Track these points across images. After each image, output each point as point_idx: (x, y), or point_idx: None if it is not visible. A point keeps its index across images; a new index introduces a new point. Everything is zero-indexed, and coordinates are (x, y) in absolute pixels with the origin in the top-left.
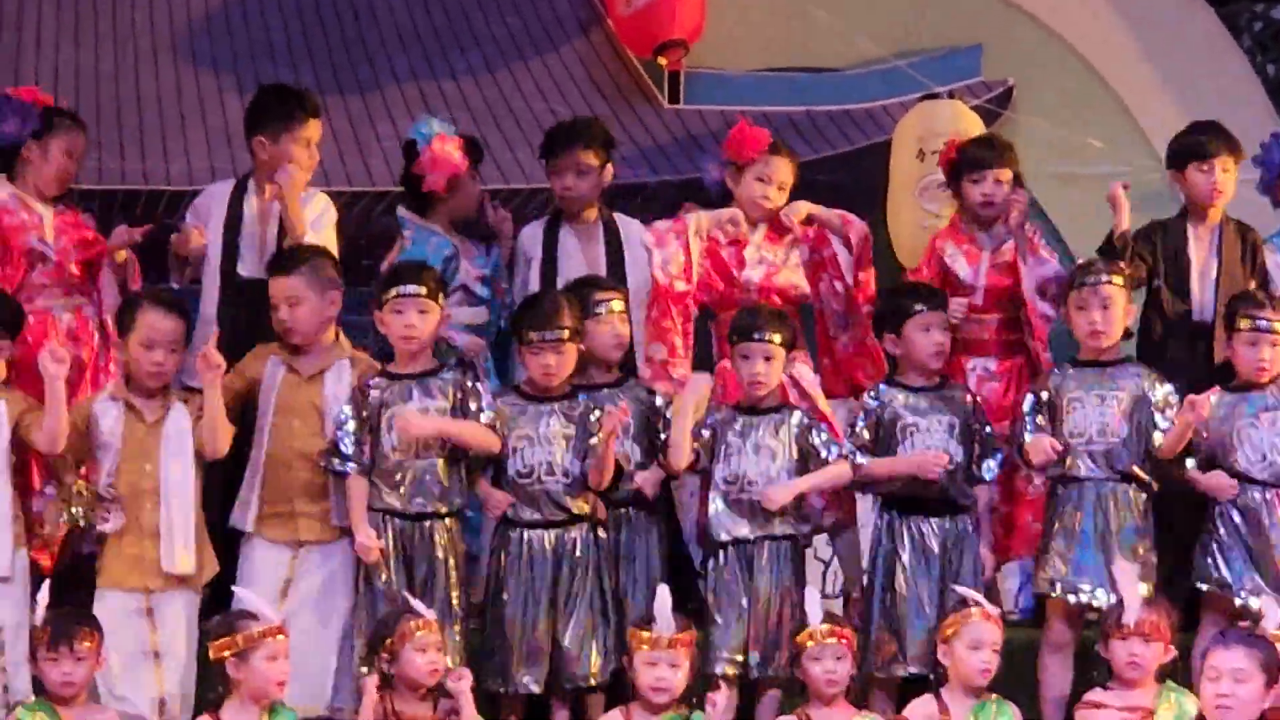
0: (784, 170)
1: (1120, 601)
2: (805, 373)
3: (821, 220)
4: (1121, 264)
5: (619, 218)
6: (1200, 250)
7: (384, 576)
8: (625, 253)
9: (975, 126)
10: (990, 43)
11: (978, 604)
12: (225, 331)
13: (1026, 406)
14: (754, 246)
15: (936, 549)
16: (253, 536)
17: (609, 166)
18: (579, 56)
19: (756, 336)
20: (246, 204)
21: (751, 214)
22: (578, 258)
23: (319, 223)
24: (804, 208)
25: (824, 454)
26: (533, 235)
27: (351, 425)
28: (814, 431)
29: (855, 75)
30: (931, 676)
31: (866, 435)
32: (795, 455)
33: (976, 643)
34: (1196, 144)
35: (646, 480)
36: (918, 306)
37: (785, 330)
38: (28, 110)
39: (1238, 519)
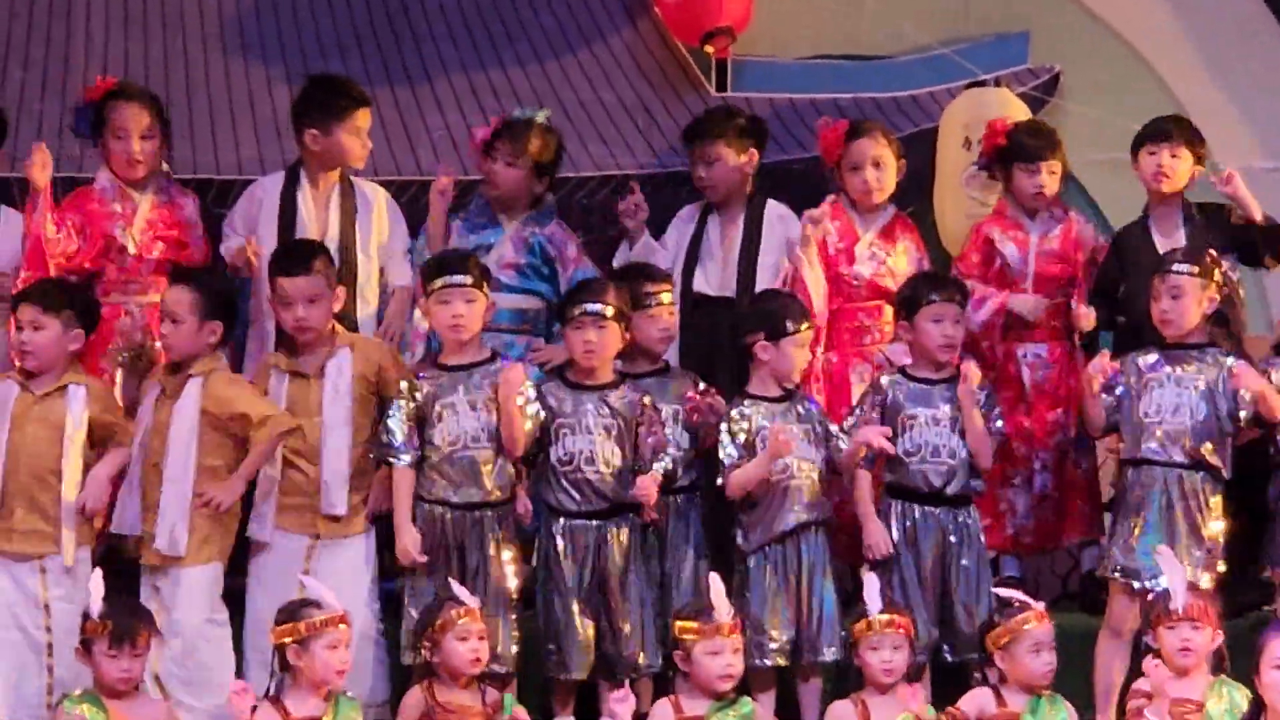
0: (869, 149)
1: (1167, 589)
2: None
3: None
4: (1208, 256)
5: (769, 203)
6: (1164, 237)
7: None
8: (762, 237)
9: (1022, 114)
10: (1037, 29)
11: (1028, 606)
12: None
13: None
14: (865, 243)
15: (933, 540)
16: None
17: (751, 155)
18: (626, 45)
19: (807, 326)
20: (300, 197)
21: (863, 203)
22: (717, 244)
23: (398, 221)
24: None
25: (837, 440)
26: (687, 218)
27: (401, 416)
28: (827, 422)
29: (903, 62)
30: (978, 674)
31: (875, 415)
32: (818, 437)
33: (1037, 645)
34: (1152, 129)
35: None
36: (931, 297)
37: (807, 315)
38: (83, 108)
39: None
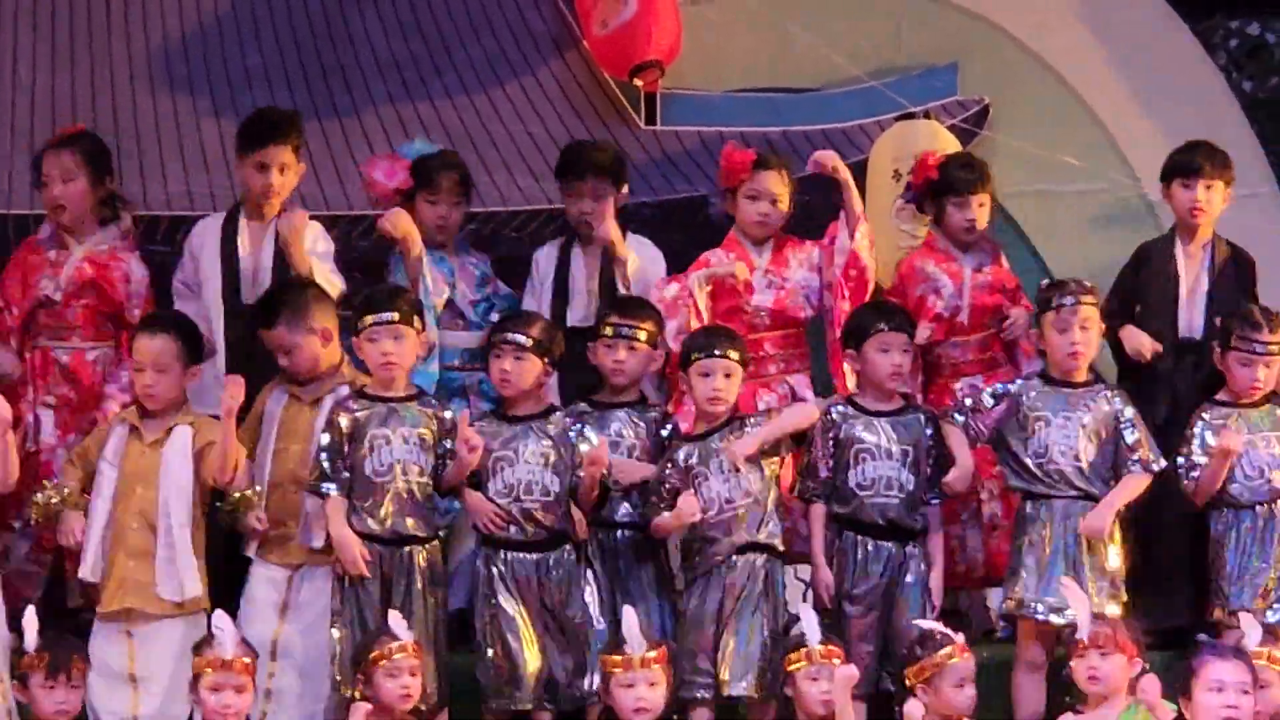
0: (773, 182)
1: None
2: (806, 393)
3: (845, 185)
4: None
5: (632, 238)
6: (1190, 268)
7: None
8: (619, 271)
9: (951, 146)
10: (967, 61)
11: (950, 640)
12: (238, 359)
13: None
14: (761, 271)
15: (880, 571)
16: (254, 561)
17: (623, 190)
18: (555, 78)
19: (717, 353)
20: (239, 235)
21: (752, 234)
22: (583, 277)
23: (317, 253)
24: (832, 157)
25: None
26: (547, 256)
27: (328, 448)
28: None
29: (832, 95)
30: (898, 708)
31: (821, 468)
32: (759, 465)
33: (961, 680)
34: (1183, 161)
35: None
36: (879, 326)
37: (741, 348)
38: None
39: (1231, 541)
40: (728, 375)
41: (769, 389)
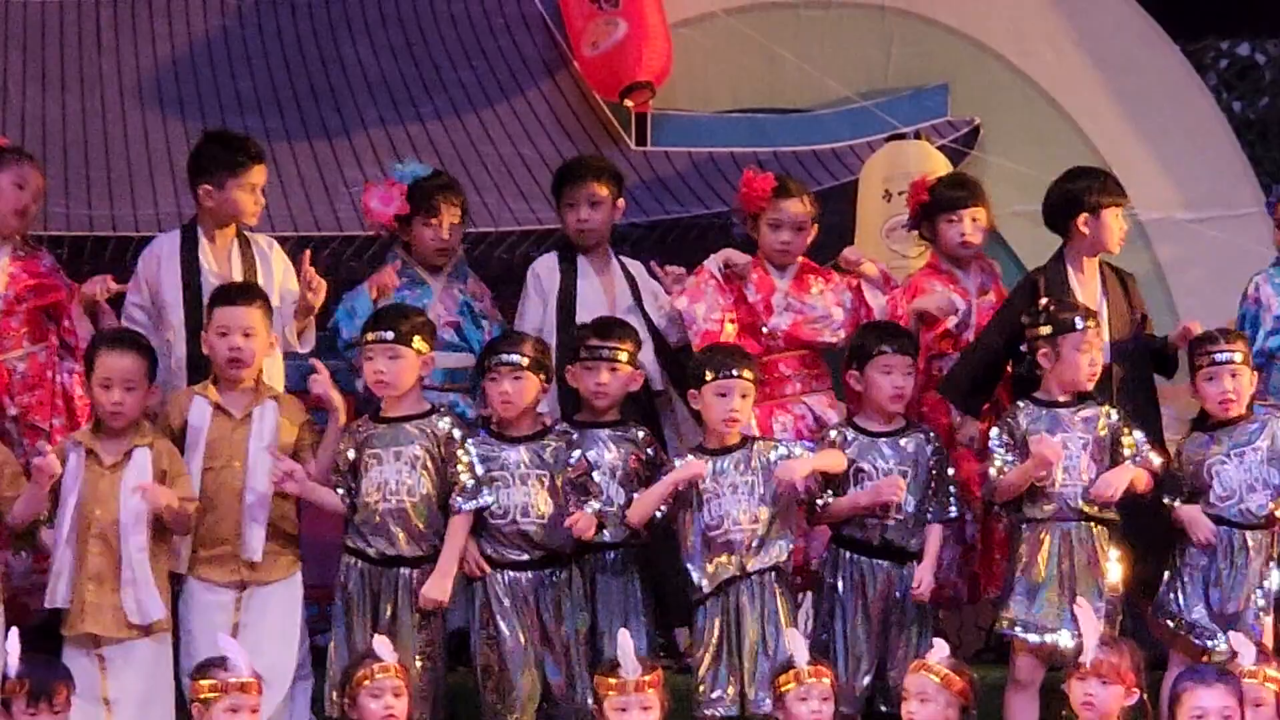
0: (794, 210)
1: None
2: (828, 413)
3: (863, 275)
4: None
5: (622, 257)
6: (1089, 292)
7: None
8: (641, 289)
9: (942, 166)
10: (957, 82)
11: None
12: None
13: (993, 442)
14: (781, 294)
15: (877, 591)
16: (189, 579)
17: (620, 201)
18: (546, 100)
19: (735, 373)
20: (202, 254)
21: (775, 260)
22: (598, 294)
23: (288, 276)
24: (852, 256)
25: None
26: (548, 269)
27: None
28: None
29: (822, 116)
30: None
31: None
32: (767, 487)
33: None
34: (1116, 189)
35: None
36: (882, 348)
37: (754, 368)
38: None
39: (1205, 558)
40: (744, 396)
41: (785, 410)
